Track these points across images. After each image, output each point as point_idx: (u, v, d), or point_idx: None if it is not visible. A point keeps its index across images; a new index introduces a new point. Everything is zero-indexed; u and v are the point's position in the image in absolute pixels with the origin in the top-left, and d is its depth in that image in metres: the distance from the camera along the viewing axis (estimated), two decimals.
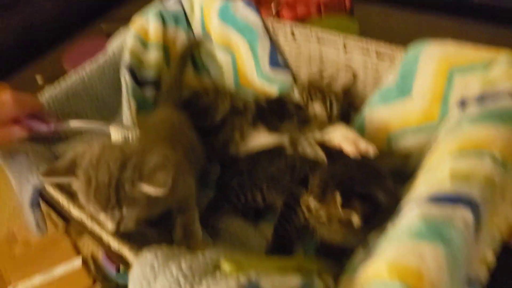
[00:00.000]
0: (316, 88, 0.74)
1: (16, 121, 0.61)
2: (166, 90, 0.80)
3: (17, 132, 0.61)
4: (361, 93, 0.75)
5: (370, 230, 0.53)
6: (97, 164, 0.50)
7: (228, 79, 0.89)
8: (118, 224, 0.50)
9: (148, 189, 0.48)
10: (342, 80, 0.74)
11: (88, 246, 0.91)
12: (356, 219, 0.52)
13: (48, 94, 0.73)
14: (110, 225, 0.50)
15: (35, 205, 0.64)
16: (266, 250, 0.65)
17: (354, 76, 0.74)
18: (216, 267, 0.45)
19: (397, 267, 0.39)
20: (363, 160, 0.59)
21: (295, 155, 0.67)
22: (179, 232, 0.59)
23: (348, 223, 0.53)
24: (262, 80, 0.84)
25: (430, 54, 0.60)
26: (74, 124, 0.66)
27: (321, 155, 0.61)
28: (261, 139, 0.71)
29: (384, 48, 0.67)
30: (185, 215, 0.61)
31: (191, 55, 0.90)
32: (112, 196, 0.48)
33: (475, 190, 0.43)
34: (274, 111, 0.74)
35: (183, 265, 0.43)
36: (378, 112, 0.67)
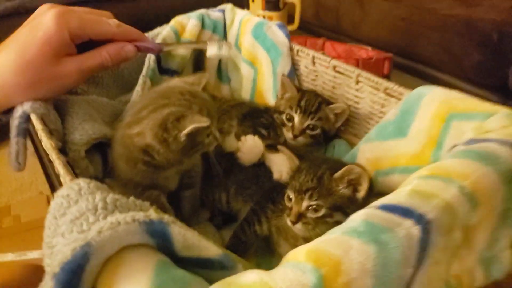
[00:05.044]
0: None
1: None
2: None
3: (129, 48, 0.64)
4: (363, 126, 0.74)
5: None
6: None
7: (245, 93, 0.91)
8: None
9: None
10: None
11: None
12: (365, 186, 0.53)
13: None
14: None
15: (20, 134, 0.64)
16: None
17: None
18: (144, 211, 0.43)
19: (317, 252, 0.35)
20: (324, 157, 0.65)
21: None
22: (186, 205, 0.66)
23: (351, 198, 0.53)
24: (274, 100, 0.85)
25: (433, 96, 0.58)
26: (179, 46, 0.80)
27: (293, 157, 0.60)
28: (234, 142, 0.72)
29: (394, 87, 0.66)
30: (191, 190, 0.67)
31: (219, 65, 0.94)
32: None
33: (430, 209, 0.39)
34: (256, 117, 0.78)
35: (109, 198, 0.42)
36: (373, 147, 0.65)
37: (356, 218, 0.39)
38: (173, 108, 0.57)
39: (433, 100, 0.58)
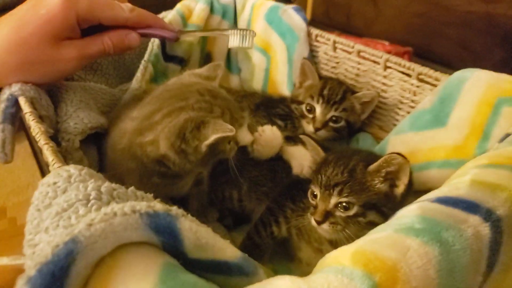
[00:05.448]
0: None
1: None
2: None
3: (133, 36, 0.58)
4: (391, 117, 0.67)
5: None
6: None
7: (257, 83, 0.84)
8: None
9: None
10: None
11: None
12: (405, 181, 0.45)
13: None
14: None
15: (7, 120, 0.57)
16: None
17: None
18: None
19: (365, 254, 0.28)
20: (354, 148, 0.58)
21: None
22: (194, 203, 0.60)
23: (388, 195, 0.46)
24: (290, 92, 0.78)
25: (477, 80, 0.51)
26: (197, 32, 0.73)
27: (317, 148, 0.53)
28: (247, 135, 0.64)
29: (429, 72, 0.59)
30: (199, 187, 0.60)
31: (228, 53, 0.87)
32: None
33: (499, 203, 0.31)
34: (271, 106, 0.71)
35: (104, 187, 0.35)
36: (405, 138, 0.58)
37: (408, 213, 0.32)
38: (192, 112, 0.48)
39: (477, 84, 0.51)
